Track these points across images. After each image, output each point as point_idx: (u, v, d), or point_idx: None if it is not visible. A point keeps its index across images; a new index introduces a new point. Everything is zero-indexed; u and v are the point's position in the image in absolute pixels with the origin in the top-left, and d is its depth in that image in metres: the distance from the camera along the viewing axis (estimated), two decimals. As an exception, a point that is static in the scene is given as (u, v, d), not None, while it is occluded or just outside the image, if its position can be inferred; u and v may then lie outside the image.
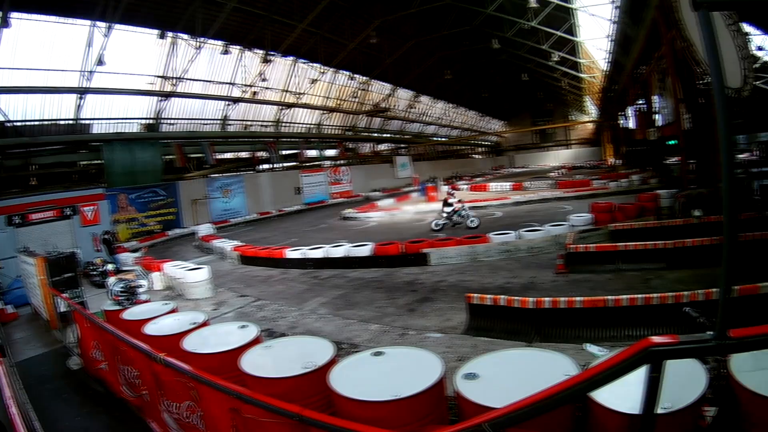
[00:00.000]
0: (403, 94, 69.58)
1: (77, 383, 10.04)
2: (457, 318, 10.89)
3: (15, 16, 29.61)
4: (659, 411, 2.67)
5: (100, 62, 33.65)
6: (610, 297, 8.92)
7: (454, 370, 4.71)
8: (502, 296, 9.86)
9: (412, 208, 37.46)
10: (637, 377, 2.54)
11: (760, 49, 32.11)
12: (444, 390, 4.60)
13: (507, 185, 46.40)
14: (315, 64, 51.93)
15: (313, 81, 52.75)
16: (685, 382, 3.41)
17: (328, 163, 61.55)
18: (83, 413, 8.56)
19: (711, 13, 2.28)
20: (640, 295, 8.80)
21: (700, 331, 2.47)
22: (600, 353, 5.34)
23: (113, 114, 39.36)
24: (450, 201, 25.36)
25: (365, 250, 18.90)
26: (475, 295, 10.27)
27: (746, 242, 12.25)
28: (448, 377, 4.59)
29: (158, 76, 40.06)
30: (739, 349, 2.59)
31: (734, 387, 3.39)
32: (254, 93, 47.35)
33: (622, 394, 3.30)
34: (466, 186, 52.15)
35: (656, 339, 2.44)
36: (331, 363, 5.25)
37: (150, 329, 7.95)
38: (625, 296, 8.85)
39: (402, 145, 77.47)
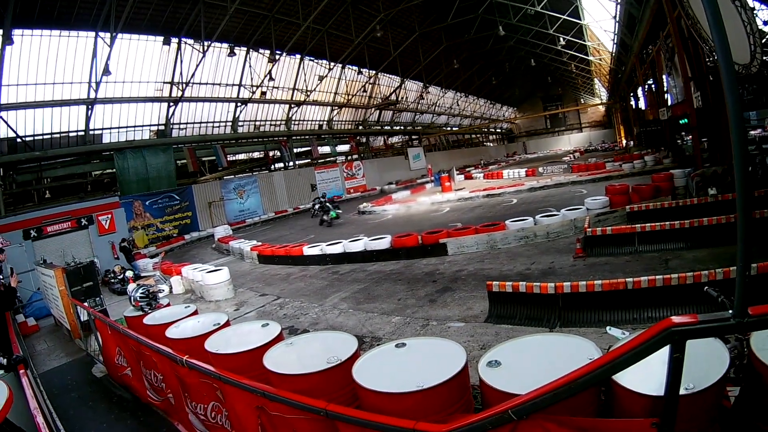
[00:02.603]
0: (412, 86, 69.54)
1: (102, 390, 10.14)
2: (479, 306, 10.91)
3: (18, 33, 29.92)
4: (682, 392, 2.67)
5: (106, 72, 33.71)
6: (629, 279, 8.84)
7: (477, 358, 4.75)
8: (522, 283, 9.82)
9: (427, 199, 37.47)
10: (659, 358, 2.53)
11: (767, 23, 31.97)
12: (468, 379, 4.60)
13: (521, 171, 46.09)
14: (322, 61, 51.95)
15: (321, 78, 52.65)
16: (707, 362, 3.40)
17: (341, 158, 61.53)
18: (110, 420, 8.65)
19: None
20: (659, 277, 8.73)
21: (721, 311, 2.47)
22: (622, 336, 5.32)
23: (123, 122, 39.69)
24: None
25: (383, 243, 18.94)
26: (495, 282, 10.24)
27: (761, 219, 12.19)
28: (471, 366, 4.60)
29: (166, 82, 40.25)
30: (759, 326, 2.57)
31: (756, 365, 3.36)
32: (263, 93, 47.34)
33: (645, 376, 3.31)
34: (480, 174, 51.92)
35: (676, 319, 2.45)
36: (355, 357, 5.26)
37: (172, 333, 8.00)
38: (644, 278, 8.77)
39: (414, 137, 77.42)
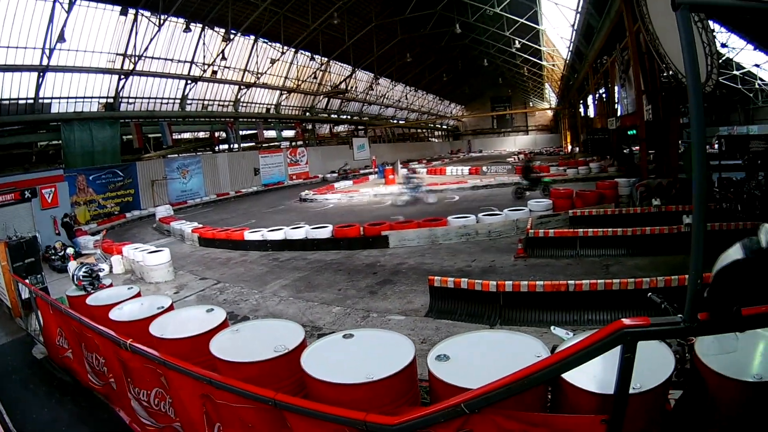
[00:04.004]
0: (363, 76, 69.76)
1: (43, 373, 9.91)
2: (419, 300, 11.04)
3: None
4: (630, 391, 2.76)
5: (61, 38, 33.01)
6: (571, 281, 9.09)
7: (421, 352, 4.80)
8: (464, 279, 9.99)
9: (370, 191, 37.61)
10: (602, 358, 2.65)
11: (723, 46, 32.51)
12: (416, 372, 4.64)
13: (465, 169, 46.66)
14: (276, 44, 51.96)
15: (273, 61, 52.52)
16: (653, 364, 3.51)
17: (286, 144, 61.44)
18: (50, 404, 8.45)
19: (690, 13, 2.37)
20: (601, 281, 8.99)
21: (664, 316, 2.59)
22: (566, 336, 5.45)
23: (73, 92, 38.67)
24: (410, 176, 25.69)
25: (325, 232, 18.96)
26: (437, 277, 10.40)
27: (708, 232, 12.53)
28: (418, 359, 4.63)
29: (119, 54, 39.46)
30: (707, 331, 2.68)
31: (700, 369, 3.50)
32: (214, 72, 46.90)
33: (588, 375, 3.43)
34: (423, 169, 52.21)
35: (629, 321, 2.55)
36: (302, 346, 5.25)
37: (115, 315, 7.80)
38: (586, 281, 9.02)
39: (360, 127, 77.77)
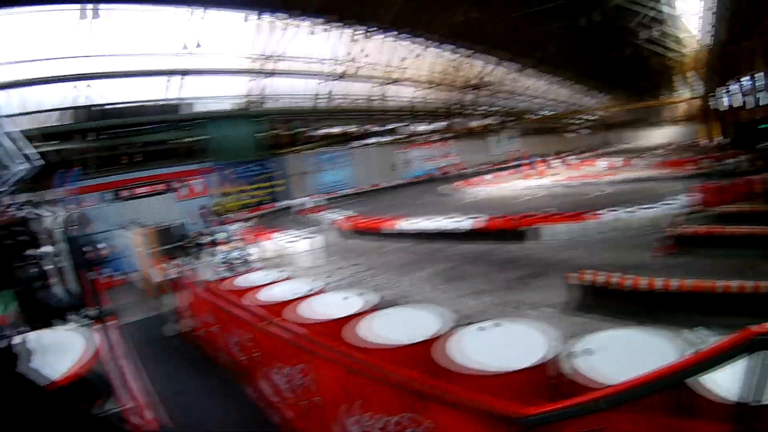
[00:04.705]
0: (506, 68, 68.37)
1: (179, 347, 10.81)
2: (566, 294, 10.93)
3: (104, 8, 31.42)
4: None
5: (196, 45, 35.52)
6: (719, 282, 8.76)
7: (562, 346, 4.88)
8: (614, 275, 9.88)
9: (521, 183, 37.25)
10: (740, 365, 2.62)
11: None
12: (556, 364, 4.69)
13: (613, 161, 45.15)
14: (417, 39, 51.70)
15: (416, 56, 52.58)
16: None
17: (434, 137, 61.44)
18: (183, 376, 9.18)
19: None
20: (750, 282, 8.59)
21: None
22: (709, 339, 5.42)
23: (214, 93, 41.10)
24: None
25: (474, 223, 18.94)
26: (586, 273, 10.32)
27: None
28: (559, 353, 4.75)
29: (257, 56, 41.14)
30: None
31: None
32: (357, 69, 47.73)
33: (725, 381, 3.32)
34: (574, 161, 50.99)
35: (758, 328, 2.55)
36: (447, 332, 5.43)
37: (263, 296, 8.39)
38: (735, 282, 8.65)
39: (506, 120, 76.23)
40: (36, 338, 4.60)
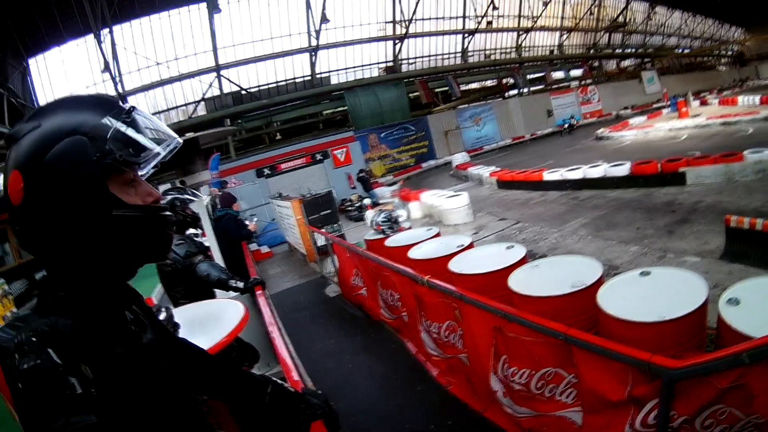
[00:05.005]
0: (639, 7, 66.16)
1: (335, 309, 11.13)
2: (715, 241, 10.39)
3: (224, 1, 34.08)
4: None
5: (324, 20, 36.91)
6: None
7: (712, 295, 4.62)
8: (759, 220, 9.14)
9: (664, 125, 35.49)
10: None
11: None
12: (706, 315, 4.53)
13: (755, 98, 42.32)
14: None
15: (546, 3, 51.81)
16: None
17: (575, 83, 60.21)
18: (339, 335, 9.50)
19: None
20: None
21: None
22: None
23: (350, 63, 42.79)
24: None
25: (623, 169, 18.28)
26: (733, 217, 9.64)
27: None
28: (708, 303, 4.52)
29: (388, 22, 42.12)
30: None
31: None
32: (489, 23, 47.63)
33: None
34: (715, 100, 48.61)
35: None
36: (599, 282, 5.29)
37: (414, 254, 8.49)
38: None
39: (646, 60, 73.25)
40: (192, 309, 4.92)
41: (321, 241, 14.35)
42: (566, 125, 44.97)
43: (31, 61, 31.28)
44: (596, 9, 60.08)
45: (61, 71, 32.71)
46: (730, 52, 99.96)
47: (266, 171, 29.10)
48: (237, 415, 2.25)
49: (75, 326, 1.39)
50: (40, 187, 1.39)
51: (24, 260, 17.90)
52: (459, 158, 36.57)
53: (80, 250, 1.46)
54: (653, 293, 4.81)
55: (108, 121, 1.45)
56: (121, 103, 1.51)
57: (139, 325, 1.67)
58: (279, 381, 2.31)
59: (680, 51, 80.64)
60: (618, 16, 62.60)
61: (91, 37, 31.21)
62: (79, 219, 1.42)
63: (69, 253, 1.46)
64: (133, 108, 1.52)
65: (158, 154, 1.57)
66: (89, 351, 1.35)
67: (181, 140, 1.67)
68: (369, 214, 14.21)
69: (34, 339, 1.30)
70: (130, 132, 1.48)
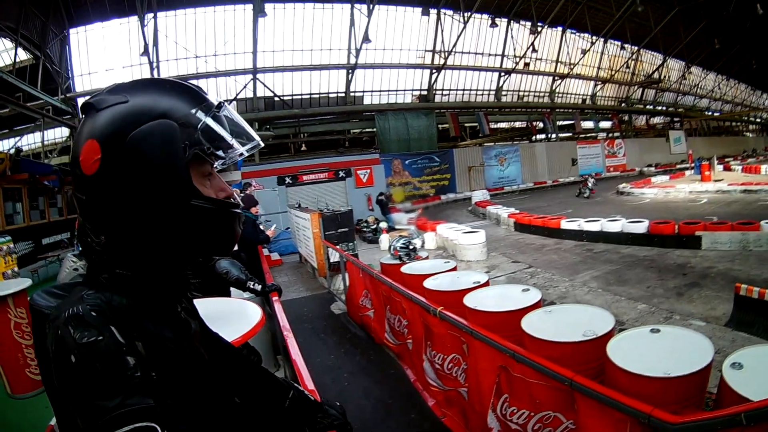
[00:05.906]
0: (675, 65, 66.04)
1: (338, 326, 11.18)
2: (722, 308, 10.45)
3: (270, 6, 34.43)
4: None
5: (365, 39, 36.88)
6: None
7: (713, 358, 4.73)
8: None
9: (686, 187, 35.53)
10: None
11: None
12: (708, 376, 4.65)
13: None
14: (584, 34, 51.19)
15: (584, 51, 51.98)
16: None
17: (603, 135, 60.51)
18: (339, 353, 9.53)
19: None
20: None
21: None
22: None
23: (384, 86, 42.66)
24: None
25: (640, 227, 18.24)
26: (743, 286, 9.68)
27: None
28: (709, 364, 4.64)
29: (427, 50, 42.56)
30: None
31: None
32: (526, 64, 48.10)
33: None
34: (739, 166, 48.50)
35: None
36: (609, 334, 5.43)
37: (430, 284, 8.70)
38: None
39: (676, 119, 73.19)
40: (210, 304, 5.05)
41: (334, 257, 14.42)
42: (585, 190, 40.45)
43: (72, 32, 31.92)
44: (633, 63, 60.28)
45: (100, 47, 33.26)
46: (758, 119, 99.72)
47: (288, 180, 29.27)
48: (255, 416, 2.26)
49: (128, 305, 1.43)
50: (120, 162, 1.40)
51: (33, 222, 18.20)
52: (479, 195, 36.75)
53: (150, 232, 1.48)
54: (661, 350, 4.94)
55: (198, 112, 1.51)
56: (210, 98, 1.57)
57: (189, 313, 1.74)
58: (300, 387, 2.38)
59: (710, 113, 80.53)
60: (653, 72, 62.45)
61: (135, 18, 31.69)
62: (157, 202, 1.45)
63: (137, 233, 1.48)
64: (222, 104, 1.60)
65: (241, 153, 1.65)
66: (142, 332, 1.38)
67: (262, 143, 1.75)
68: (386, 238, 14.34)
69: (93, 314, 1.31)
70: (219, 128, 1.55)
